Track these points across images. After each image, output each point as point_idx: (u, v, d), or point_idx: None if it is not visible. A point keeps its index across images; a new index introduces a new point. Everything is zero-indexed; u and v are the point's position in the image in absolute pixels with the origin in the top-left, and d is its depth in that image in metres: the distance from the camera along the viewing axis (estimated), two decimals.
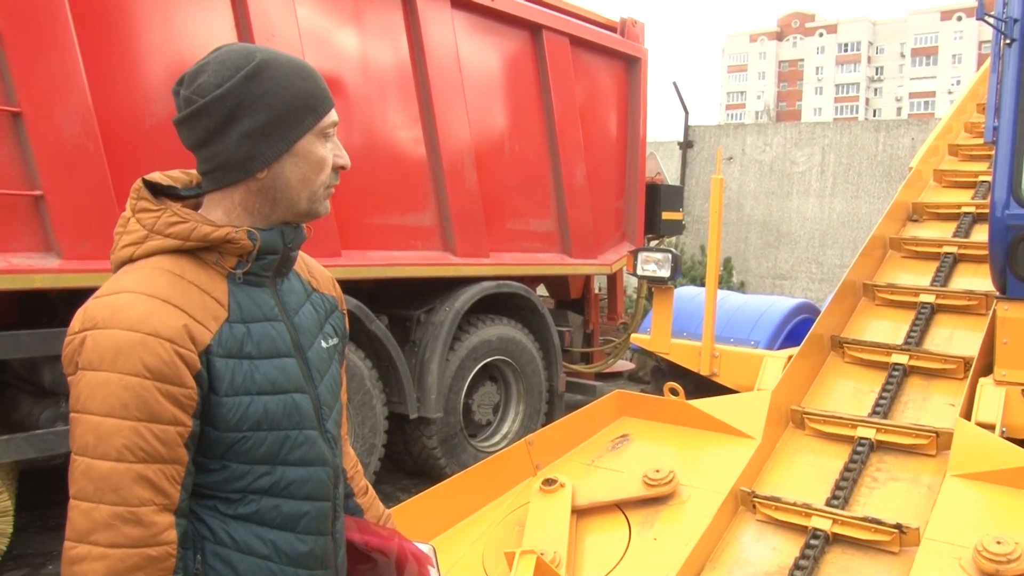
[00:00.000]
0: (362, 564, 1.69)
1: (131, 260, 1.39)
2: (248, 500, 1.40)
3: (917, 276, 5.09)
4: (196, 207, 1.47)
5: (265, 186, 1.43)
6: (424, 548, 1.75)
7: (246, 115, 1.38)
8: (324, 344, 1.57)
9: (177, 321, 1.31)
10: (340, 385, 1.63)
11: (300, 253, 1.64)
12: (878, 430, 3.76)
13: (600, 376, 7.93)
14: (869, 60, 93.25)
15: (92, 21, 4.12)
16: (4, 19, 3.79)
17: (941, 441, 3.62)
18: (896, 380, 4.21)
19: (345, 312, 1.72)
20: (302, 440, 1.46)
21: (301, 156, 1.43)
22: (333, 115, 1.48)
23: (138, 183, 1.44)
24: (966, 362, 4.18)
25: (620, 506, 3.25)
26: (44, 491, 5.81)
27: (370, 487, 1.86)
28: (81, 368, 1.29)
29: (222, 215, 1.43)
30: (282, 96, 1.40)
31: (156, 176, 1.47)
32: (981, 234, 5.05)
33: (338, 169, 1.50)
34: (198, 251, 1.40)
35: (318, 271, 1.69)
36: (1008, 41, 3.88)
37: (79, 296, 4.71)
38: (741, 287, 13.17)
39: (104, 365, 1.26)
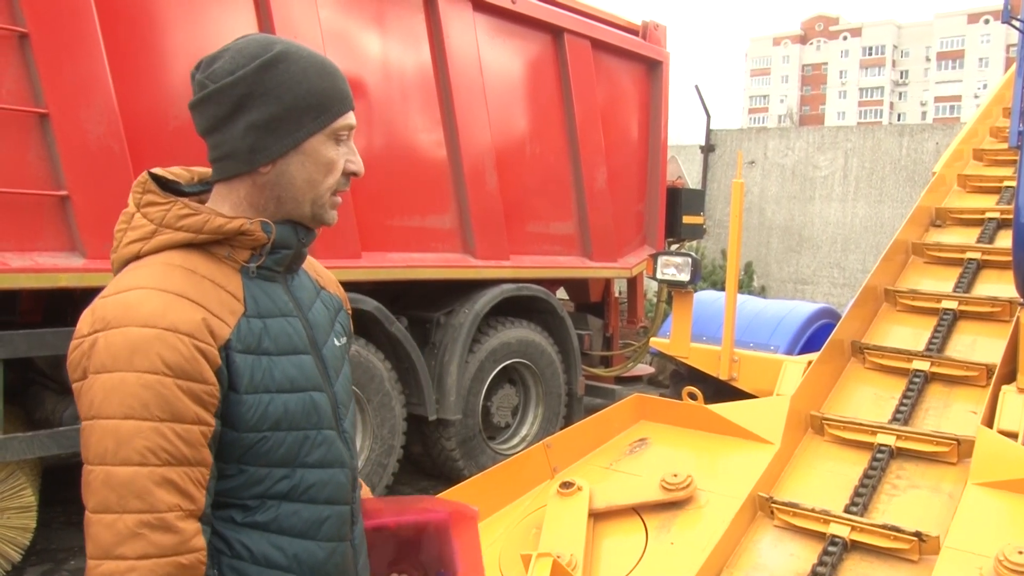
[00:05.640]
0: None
1: (137, 257, 1.34)
2: (266, 506, 1.33)
3: (940, 282, 5.05)
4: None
5: (270, 182, 1.38)
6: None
7: (255, 106, 1.33)
8: (336, 342, 1.53)
9: (195, 315, 1.25)
10: (351, 385, 1.58)
11: None
12: (898, 437, 3.73)
13: (619, 380, 7.91)
14: (894, 64, 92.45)
15: (118, 22, 4.17)
16: (31, 20, 3.85)
17: (962, 449, 3.58)
18: (917, 387, 4.17)
19: (350, 312, 1.68)
20: (321, 440, 1.40)
21: (309, 155, 1.37)
22: (350, 118, 1.41)
23: (143, 176, 1.38)
24: (988, 369, 4.14)
25: (637, 510, 3.25)
26: (67, 487, 5.88)
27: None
28: (93, 372, 1.22)
29: (228, 210, 1.38)
30: (295, 91, 1.35)
31: (157, 171, 1.41)
32: (1005, 240, 5.00)
33: (349, 175, 1.44)
34: (208, 245, 1.35)
35: (322, 270, 1.65)
36: None
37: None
38: (762, 291, 13.12)
39: (119, 365, 1.20)
